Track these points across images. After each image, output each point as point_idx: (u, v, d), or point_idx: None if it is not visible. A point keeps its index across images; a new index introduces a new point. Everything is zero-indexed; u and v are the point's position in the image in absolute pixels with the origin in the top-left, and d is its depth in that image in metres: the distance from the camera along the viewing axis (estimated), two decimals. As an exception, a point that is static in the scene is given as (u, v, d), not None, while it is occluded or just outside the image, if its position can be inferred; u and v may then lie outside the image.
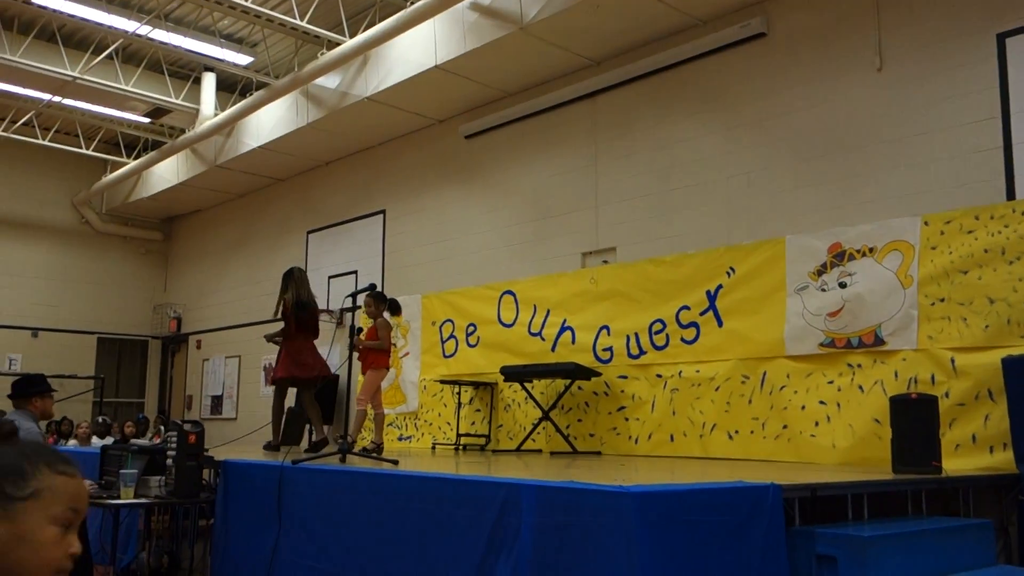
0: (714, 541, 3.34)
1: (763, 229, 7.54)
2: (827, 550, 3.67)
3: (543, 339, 8.85)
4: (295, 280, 7.83)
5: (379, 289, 7.88)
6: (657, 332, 7.85)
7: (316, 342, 7.97)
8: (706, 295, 7.54)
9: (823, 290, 6.73)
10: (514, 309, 9.27)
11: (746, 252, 7.35)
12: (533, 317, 9.04)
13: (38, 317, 15.08)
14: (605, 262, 8.80)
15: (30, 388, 5.91)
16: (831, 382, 6.55)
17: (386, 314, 7.67)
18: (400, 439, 10.42)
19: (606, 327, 8.28)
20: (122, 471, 5.68)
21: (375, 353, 7.36)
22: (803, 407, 6.68)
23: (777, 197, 7.58)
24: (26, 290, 15.03)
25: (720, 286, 7.46)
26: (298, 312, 7.69)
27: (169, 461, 5.74)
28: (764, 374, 7.00)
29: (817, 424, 6.58)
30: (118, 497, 5.61)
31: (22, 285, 15.00)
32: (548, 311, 8.88)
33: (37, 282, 15.14)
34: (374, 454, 6.91)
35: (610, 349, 8.21)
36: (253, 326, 13.89)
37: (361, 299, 7.34)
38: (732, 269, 7.40)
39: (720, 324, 7.42)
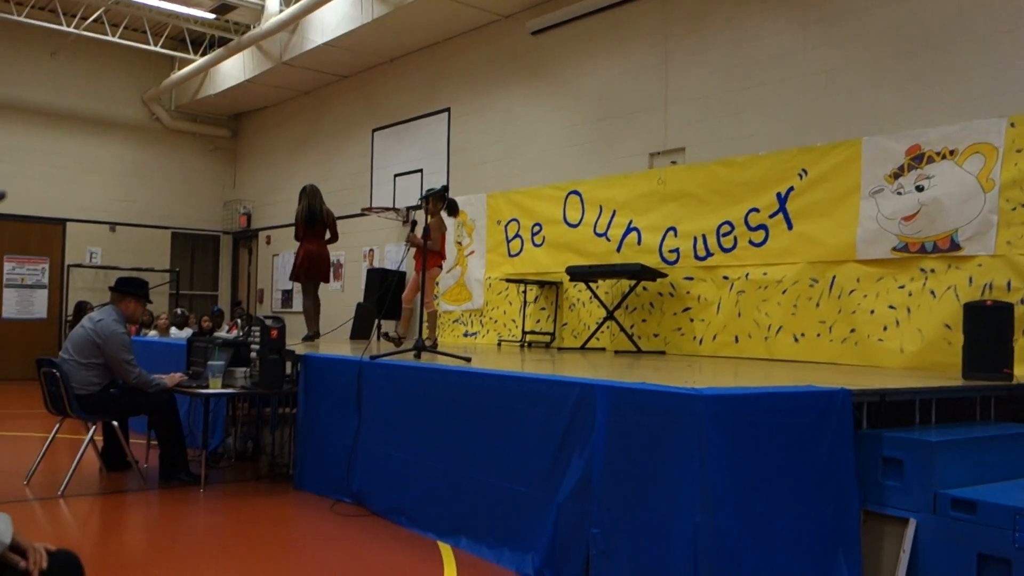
0: (784, 444, 3.38)
1: (838, 130, 7.35)
2: (894, 453, 3.68)
3: (608, 240, 8.84)
4: (307, 194, 8.69)
5: (447, 189, 7.96)
6: (725, 234, 7.77)
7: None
8: (776, 197, 7.42)
9: (899, 193, 6.58)
10: (580, 209, 9.23)
11: (820, 154, 7.19)
12: (599, 217, 9.00)
13: (116, 212, 15.44)
14: (673, 163, 8.68)
15: (128, 287, 6.19)
16: (902, 287, 6.47)
17: (443, 214, 7.68)
18: (466, 335, 10.57)
19: (673, 229, 8.22)
20: (210, 363, 5.97)
21: (430, 253, 7.38)
22: (872, 311, 6.63)
23: (854, 97, 7.36)
24: (103, 186, 15.35)
25: (791, 188, 7.33)
26: (307, 220, 8.57)
27: (253, 354, 5.98)
28: (833, 278, 6.93)
29: (886, 328, 6.53)
30: (207, 387, 5.88)
31: (99, 181, 15.32)
32: (614, 212, 8.82)
33: (113, 178, 15.45)
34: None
35: (676, 251, 8.16)
36: None
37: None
38: (804, 171, 7.26)
39: (790, 227, 7.32)
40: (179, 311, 13.02)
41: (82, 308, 11.63)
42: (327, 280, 8.94)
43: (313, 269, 8.66)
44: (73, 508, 5.40)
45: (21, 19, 13.13)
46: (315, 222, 8.60)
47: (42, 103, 14.70)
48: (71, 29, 13.36)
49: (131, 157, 15.67)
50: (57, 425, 6.30)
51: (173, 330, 12.11)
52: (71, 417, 6.06)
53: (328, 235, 8.78)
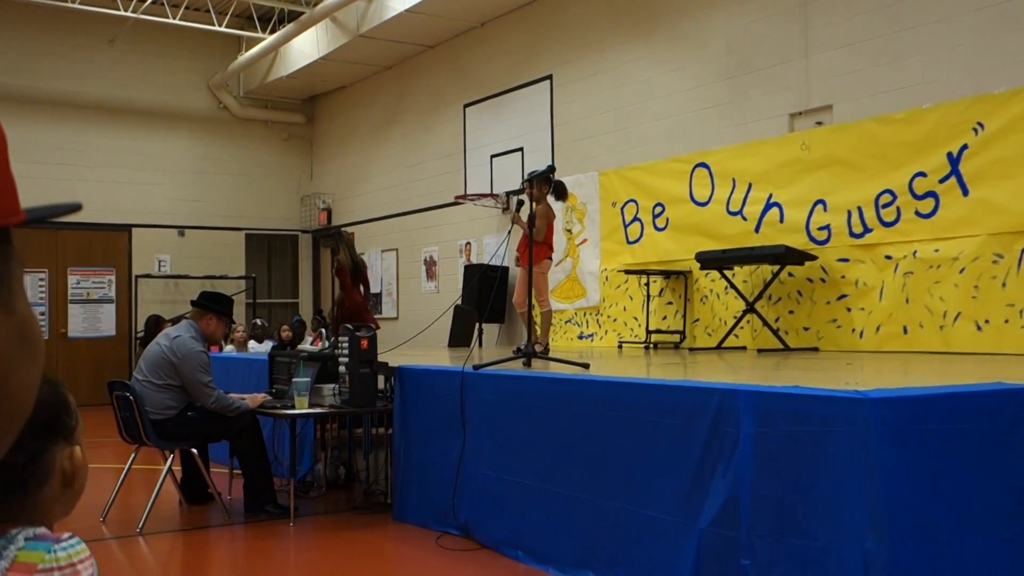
0: (970, 454, 3.31)
1: (1021, 73, 7.07)
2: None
3: (745, 218, 8.83)
4: (345, 242, 9.46)
5: (552, 170, 7.97)
6: (885, 205, 7.64)
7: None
8: (947, 158, 7.23)
9: (1101, 145, 6.34)
10: (709, 184, 9.25)
11: (999, 103, 6.95)
12: (732, 193, 8.99)
13: (184, 214, 15.96)
14: (819, 123, 8.56)
15: (209, 302, 6.40)
16: (1110, 259, 6.24)
17: (549, 199, 7.77)
18: (581, 337, 10.68)
19: (821, 201, 8.13)
20: (295, 380, 6.11)
21: (536, 244, 7.34)
22: (1073, 290, 6.42)
23: (1040, 31, 7.09)
24: (168, 186, 15.88)
25: (965, 146, 7.12)
26: (353, 272, 9.35)
27: (342, 368, 6.11)
28: (1022, 252, 6.70)
29: (1091, 311, 6.31)
30: (292, 407, 6.03)
31: (164, 180, 15.85)
32: (750, 185, 8.79)
33: (178, 176, 15.99)
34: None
35: (827, 228, 8.07)
36: (410, 215, 14.31)
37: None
38: (980, 125, 7.04)
39: (965, 192, 7.12)
40: (258, 322, 13.36)
41: (155, 323, 12.10)
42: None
43: (355, 321, 9.36)
44: (153, 546, 5.58)
45: (75, 6, 13.65)
46: (359, 273, 9.63)
47: (100, 96, 15.29)
48: (129, 13, 13.85)
49: (198, 152, 16.18)
50: (132, 454, 6.52)
51: (252, 344, 12.44)
52: (147, 445, 6.28)
53: (363, 288, 9.96)
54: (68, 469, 1.37)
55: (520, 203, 7.07)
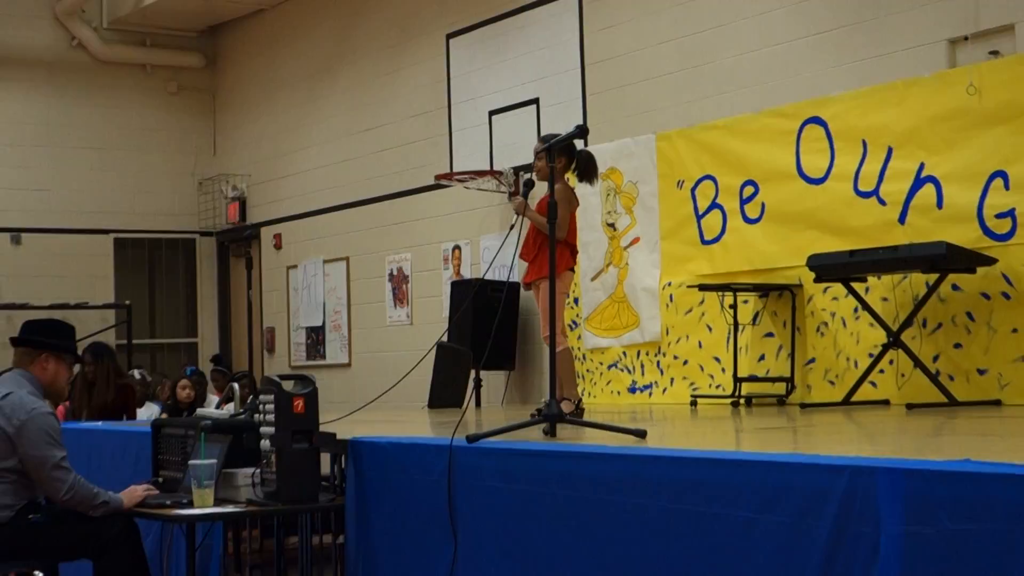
0: None
1: None
2: None
3: (882, 202, 8.85)
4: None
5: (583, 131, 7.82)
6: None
7: None
8: None
9: None
10: (826, 150, 9.26)
11: None
12: (862, 163, 9.01)
13: (19, 211, 15.81)
14: (994, 54, 8.57)
15: (40, 335, 6.35)
16: None
17: (574, 177, 7.88)
18: (633, 390, 10.68)
19: (1001, 174, 8.17)
20: (192, 462, 6.00)
21: (557, 246, 7.09)
22: None
23: None
24: (-3, 167, 15.77)
25: None
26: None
27: (265, 443, 6.01)
28: None
29: None
30: (190, 504, 5.93)
31: (-11, 159, 15.77)
32: (889, 151, 8.80)
33: (10, 152, 15.84)
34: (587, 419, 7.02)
35: (1010, 214, 8.08)
36: (367, 206, 14.31)
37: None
38: None
39: None
40: (136, 374, 13.11)
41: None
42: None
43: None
44: None
45: None
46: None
47: None
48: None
49: (40, 114, 16.01)
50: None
51: None
52: (-33, 566, 6.21)
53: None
54: None
55: (529, 184, 7.07)
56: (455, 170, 12.76)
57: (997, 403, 7.95)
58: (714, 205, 10.10)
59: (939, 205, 8.50)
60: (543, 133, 11.21)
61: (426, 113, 13.57)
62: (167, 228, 16.88)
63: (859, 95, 9.18)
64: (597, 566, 4.74)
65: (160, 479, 6.77)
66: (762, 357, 9.65)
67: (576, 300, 11.20)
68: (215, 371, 14.10)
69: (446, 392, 11.38)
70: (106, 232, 16.40)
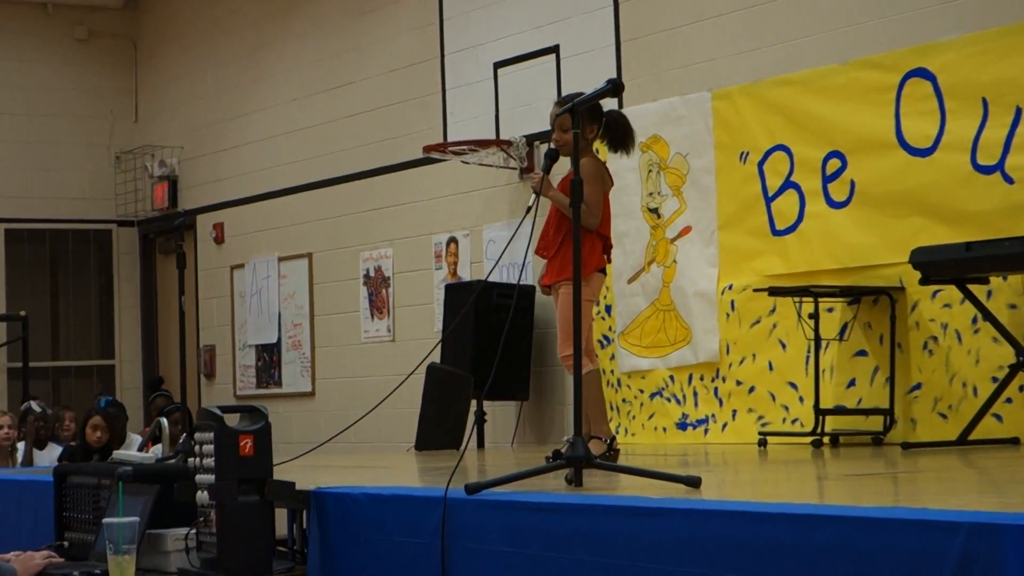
0: None
1: None
2: None
3: (1009, 179, 8.62)
4: None
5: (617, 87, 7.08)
6: None
7: None
8: None
9: None
10: (935, 111, 9.05)
11: None
12: (982, 129, 8.78)
13: None
14: None
15: None
16: None
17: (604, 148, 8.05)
18: (683, 426, 10.44)
19: None
20: (107, 520, 5.76)
21: (585, 236, 7.04)
22: None
23: None
24: None
25: None
26: None
27: (203, 496, 5.95)
28: None
29: None
30: (103, 574, 5.87)
31: None
32: (1018, 111, 8.60)
33: None
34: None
35: None
36: (335, 187, 14.23)
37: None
38: None
39: None
40: (34, 406, 13.03)
41: None
42: None
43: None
44: None
45: None
46: None
47: None
48: None
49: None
50: None
51: (21, 448, 12.56)
52: None
53: None
54: None
55: (551, 155, 6.59)
56: (450, 140, 12.48)
57: None
58: (788, 184, 9.81)
59: (1085, 182, 8.35)
60: (564, 92, 10.96)
61: (411, 67, 13.21)
62: (74, 216, 16.61)
63: (978, 39, 8.89)
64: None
65: (65, 543, 6.73)
66: (852, 383, 9.40)
67: (608, 308, 11.08)
68: (158, 397, 14.06)
69: (439, 429, 11.31)
70: (-6, 222, 16.34)
